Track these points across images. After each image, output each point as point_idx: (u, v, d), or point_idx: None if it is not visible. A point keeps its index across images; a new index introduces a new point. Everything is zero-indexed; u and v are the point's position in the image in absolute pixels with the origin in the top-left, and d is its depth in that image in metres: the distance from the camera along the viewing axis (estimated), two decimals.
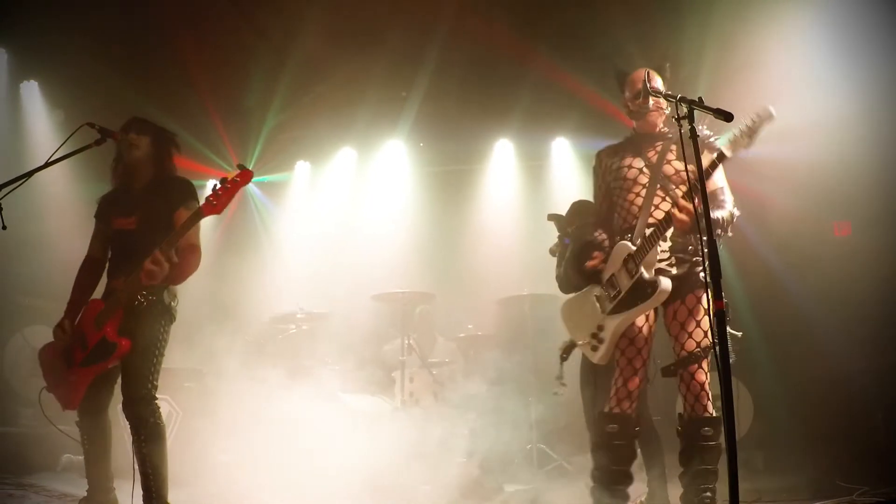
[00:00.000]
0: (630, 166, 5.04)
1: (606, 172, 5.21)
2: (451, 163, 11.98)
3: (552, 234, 6.97)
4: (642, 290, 4.70)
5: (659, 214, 4.83)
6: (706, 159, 4.39)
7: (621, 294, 4.82)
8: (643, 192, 4.93)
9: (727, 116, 3.66)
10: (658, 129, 5.15)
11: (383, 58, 9.65)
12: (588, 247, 5.12)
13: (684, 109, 3.80)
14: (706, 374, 4.75)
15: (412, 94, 10.42)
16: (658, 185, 4.89)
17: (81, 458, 7.78)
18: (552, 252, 6.82)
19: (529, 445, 8.34)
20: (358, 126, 11.26)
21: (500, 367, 8.66)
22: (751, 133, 4.40)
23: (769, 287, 8.53)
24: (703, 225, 3.69)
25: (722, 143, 4.56)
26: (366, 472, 7.03)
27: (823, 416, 7.65)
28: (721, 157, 4.51)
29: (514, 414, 8.23)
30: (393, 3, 8.94)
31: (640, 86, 5.09)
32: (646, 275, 4.69)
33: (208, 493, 6.68)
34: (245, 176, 4.97)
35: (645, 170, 4.98)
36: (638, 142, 5.16)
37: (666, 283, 4.64)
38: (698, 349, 4.72)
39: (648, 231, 4.77)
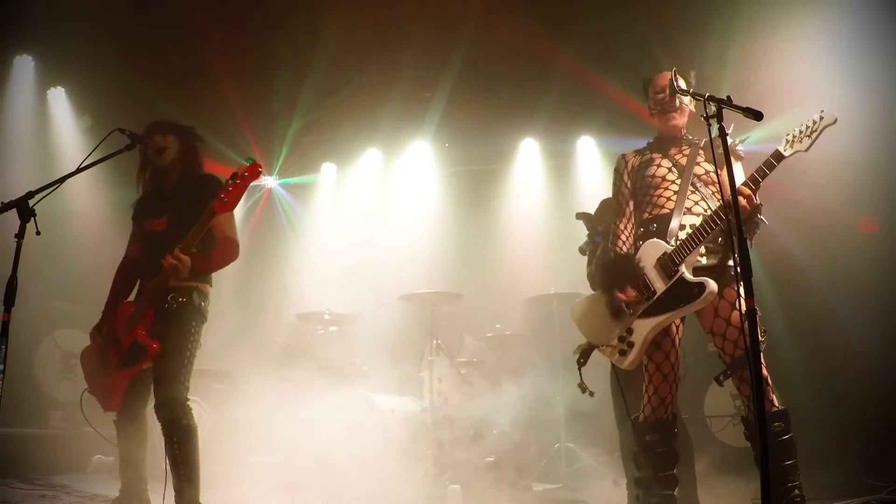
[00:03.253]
0: (658, 165, 4.96)
1: (632, 172, 5.11)
2: (477, 163, 11.98)
3: (578, 233, 6.94)
4: (685, 292, 4.49)
5: (696, 210, 4.72)
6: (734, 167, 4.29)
7: (657, 295, 4.62)
8: (672, 188, 4.83)
9: (757, 115, 3.60)
10: (682, 133, 5.11)
11: (408, 59, 9.67)
12: (622, 265, 4.84)
13: (713, 108, 3.77)
14: (765, 367, 4.44)
15: (437, 95, 10.43)
16: (689, 184, 4.79)
17: (112, 459, 7.95)
18: (582, 251, 6.78)
19: (558, 444, 8.35)
20: (383, 127, 11.30)
21: (528, 366, 8.68)
22: (811, 134, 4.30)
23: (796, 283, 8.48)
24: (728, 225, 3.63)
25: (780, 143, 4.41)
26: (395, 471, 7.07)
27: (851, 413, 7.59)
28: (778, 157, 4.37)
29: (542, 413, 8.25)
30: (417, 4, 8.94)
31: (664, 83, 5.08)
32: (688, 276, 4.51)
33: (239, 494, 6.71)
34: (252, 170, 4.92)
35: (673, 169, 4.90)
36: (663, 144, 5.10)
37: (713, 286, 4.40)
38: (746, 348, 4.29)
39: (687, 229, 4.63)
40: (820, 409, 7.61)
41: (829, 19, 8.04)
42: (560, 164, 11.62)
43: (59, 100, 10.52)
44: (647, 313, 4.67)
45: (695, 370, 7.38)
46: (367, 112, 10.87)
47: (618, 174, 5.22)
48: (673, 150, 5.02)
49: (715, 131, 3.80)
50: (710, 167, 4.88)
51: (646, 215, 4.94)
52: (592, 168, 11.29)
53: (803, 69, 8.13)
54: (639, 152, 5.19)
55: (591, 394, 5.28)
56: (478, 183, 11.90)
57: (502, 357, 9.31)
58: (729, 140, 4.17)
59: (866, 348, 7.67)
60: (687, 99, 5.04)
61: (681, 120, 5.08)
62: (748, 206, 4.41)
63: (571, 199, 10.83)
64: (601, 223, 6.52)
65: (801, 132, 4.36)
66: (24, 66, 10.07)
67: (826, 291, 8.18)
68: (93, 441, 8.06)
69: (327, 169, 12.68)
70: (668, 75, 5.04)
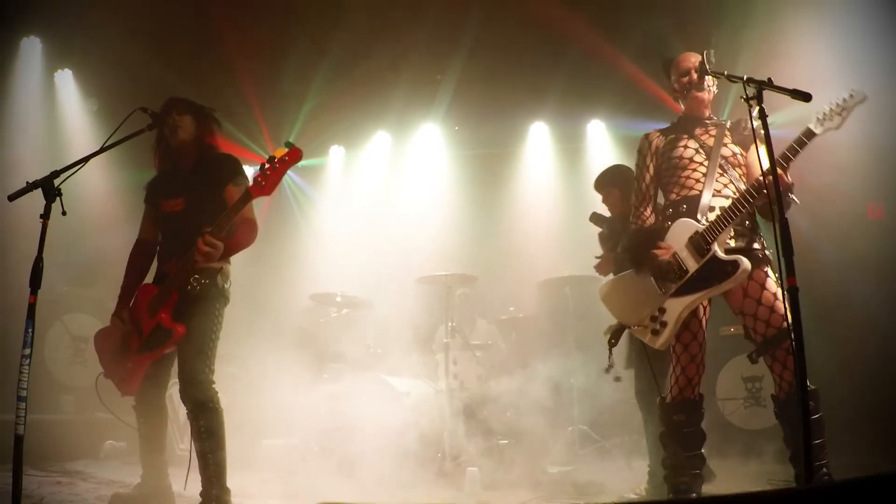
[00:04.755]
0: (685, 146, 4.90)
1: (655, 153, 5.05)
2: (487, 146, 11.96)
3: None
4: (719, 270, 4.49)
5: (725, 192, 4.69)
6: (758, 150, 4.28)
7: (689, 274, 4.60)
8: (701, 169, 4.78)
9: (805, 97, 3.57)
10: (707, 114, 5.06)
11: (418, 40, 9.61)
12: (651, 235, 4.86)
13: (752, 90, 3.72)
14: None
15: (447, 77, 10.39)
16: (717, 166, 4.75)
17: (124, 444, 7.91)
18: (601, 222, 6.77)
19: (571, 427, 8.36)
20: (393, 110, 11.25)
21: (542, 349, 8.67)
22: (841, 112, 4.28)
23: (808, 269, 8.45)
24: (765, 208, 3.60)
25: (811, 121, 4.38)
26: (411, 453, 7.05)
27: (862, 397, 7.57)
28: (809, 135, 4.36)
29: (556, 396, 8.24)
30: None
31: (686, 65, 5.02)
32: (721, 254, 4.50)
33: (256, 479, 6.69)
34: (294, 154, 4.88)
35: (700, 150, 4.85)
36: (688, 125, 5.04)
37: (747, 263, 4.42)
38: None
39: (717, 211, 4.60)
40: (835, 396, 7.60)
41: (846, 5, 8.00)
42: (570, 148, 11.61)
43: (66, 82, 10.47)
44: (681, 292, 4.65)
45: (707, 353, 7.36)
46: (377, 94, 10.81)
47: (641, 155, 5.15)
48: (699, 131, 4.97)
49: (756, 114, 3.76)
50: (738, 149, 4.88)
51: (673, 196, 4.90)
52: (603, 151, 11.27)
53: (816, 54, 8.08)
54: (663, 132, 5.13)
55: (618, 378, 5.27)
56: (488, 166, 11.88)
57: (516, 340, 9.31)
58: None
59: (880, 333, 7.66)
60: (712, 81, 5.02)
61: (707, 97, 5.03)
62: (781, 184, 4.35)
63: (582, 183, 10.79)
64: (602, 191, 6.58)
65: (831, 110, 4.33)
66: (32, 48, 10.00)
67: (838, 277, 8.16)
68: (104, 427, 8.06)
69: (336, 152, 12.64)
70: (689, 57, 5.04)
